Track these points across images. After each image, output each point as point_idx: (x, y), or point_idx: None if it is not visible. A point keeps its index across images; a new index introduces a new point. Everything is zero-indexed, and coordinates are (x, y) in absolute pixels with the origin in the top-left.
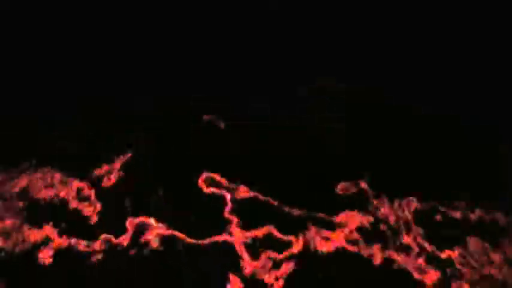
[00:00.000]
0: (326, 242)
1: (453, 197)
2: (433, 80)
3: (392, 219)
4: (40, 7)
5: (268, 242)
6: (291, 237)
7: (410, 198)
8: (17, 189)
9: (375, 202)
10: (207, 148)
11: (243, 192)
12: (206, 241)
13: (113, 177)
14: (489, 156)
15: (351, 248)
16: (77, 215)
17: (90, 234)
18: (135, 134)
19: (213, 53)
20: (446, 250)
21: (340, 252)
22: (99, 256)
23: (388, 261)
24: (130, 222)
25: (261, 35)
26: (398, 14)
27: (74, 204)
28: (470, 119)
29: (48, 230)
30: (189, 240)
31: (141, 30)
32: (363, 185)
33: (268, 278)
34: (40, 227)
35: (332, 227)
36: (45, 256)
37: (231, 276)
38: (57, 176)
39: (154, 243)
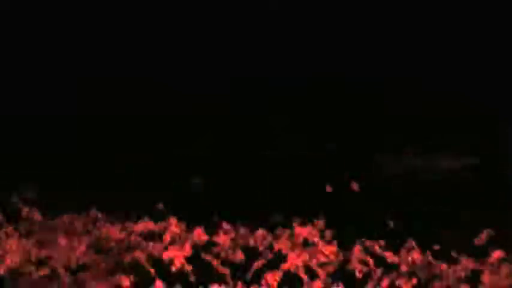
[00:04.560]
0: None
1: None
2: (433, 79)
3: None
4: (40, 7)
5: None
6: None
7: None
8: None
9: None
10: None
11: None
12: None
13: None
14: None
15: None
16: None
17: None
18: None
19: (213, 52)
20: None
21: None
22: None
23: None
24: None
25: (261, 35)
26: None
27: None
28: (471, 118)
29: None
30: None
31: (141, 29)
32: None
33: None
34: None
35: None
36: None
37: None
38: None
39: None
